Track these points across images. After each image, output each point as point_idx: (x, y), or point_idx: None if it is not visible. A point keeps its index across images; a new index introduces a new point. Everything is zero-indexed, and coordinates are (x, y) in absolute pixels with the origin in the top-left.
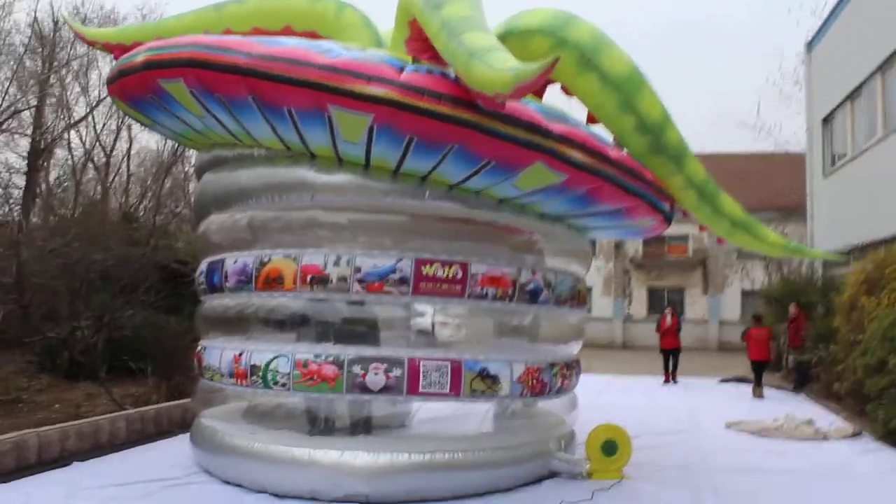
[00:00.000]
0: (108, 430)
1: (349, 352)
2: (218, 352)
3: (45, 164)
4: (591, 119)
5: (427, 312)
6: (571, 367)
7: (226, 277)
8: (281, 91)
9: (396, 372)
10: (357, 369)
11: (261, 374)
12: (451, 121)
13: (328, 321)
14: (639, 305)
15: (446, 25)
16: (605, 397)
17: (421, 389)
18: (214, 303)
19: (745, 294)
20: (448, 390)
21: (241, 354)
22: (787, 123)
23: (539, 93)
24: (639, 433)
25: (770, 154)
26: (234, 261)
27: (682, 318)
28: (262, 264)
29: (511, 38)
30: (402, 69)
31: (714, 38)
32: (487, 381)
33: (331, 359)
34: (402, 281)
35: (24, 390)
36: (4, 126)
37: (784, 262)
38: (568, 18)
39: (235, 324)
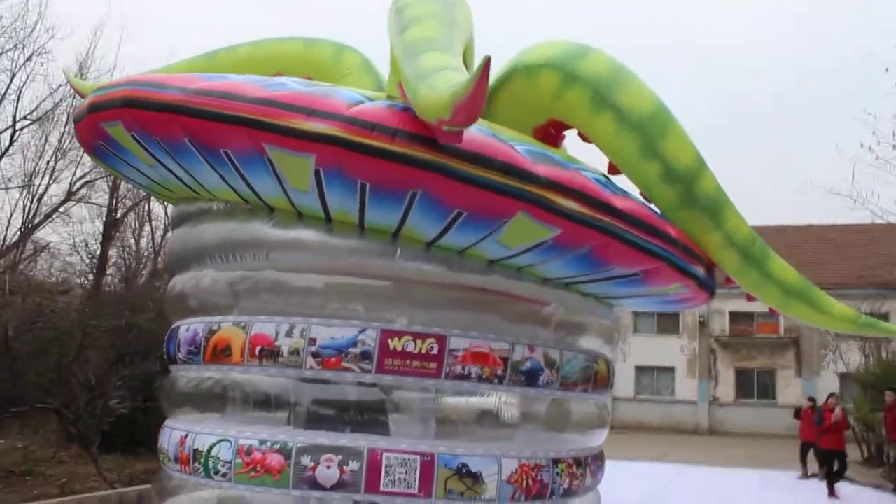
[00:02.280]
0: None
1: (299, 439)
2: (169, 431)
3: (117, 233)
4: (612, 169)
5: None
6: (584, 463)
7: (178, 347)
8: (213, 130)
9: (353, 465)
10: (307, 460)
11: (202, 460)
12: (406, 161)
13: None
14: (726, 388)
15: (406, 49)
16: (668, 489)
17: (382, 488)
18: (176, 374)
19: (843, 377)
20: (417, 490)
21: (186, 436)
22: (886, 191)
23: (554, 141)
24: None
25: (868, 225)
26: (187, 328)
27: (774, 403)
28: (211, 333)
29: (517, 74)
30: (358, 103)
31: (798, 109)
32: (467, 481)
33: (277, 446)
34: (365, 356)
35: (46, 461)
36: (80, 196)
37: (883, 343)
38: (581, 50)
39: (197, 400)
